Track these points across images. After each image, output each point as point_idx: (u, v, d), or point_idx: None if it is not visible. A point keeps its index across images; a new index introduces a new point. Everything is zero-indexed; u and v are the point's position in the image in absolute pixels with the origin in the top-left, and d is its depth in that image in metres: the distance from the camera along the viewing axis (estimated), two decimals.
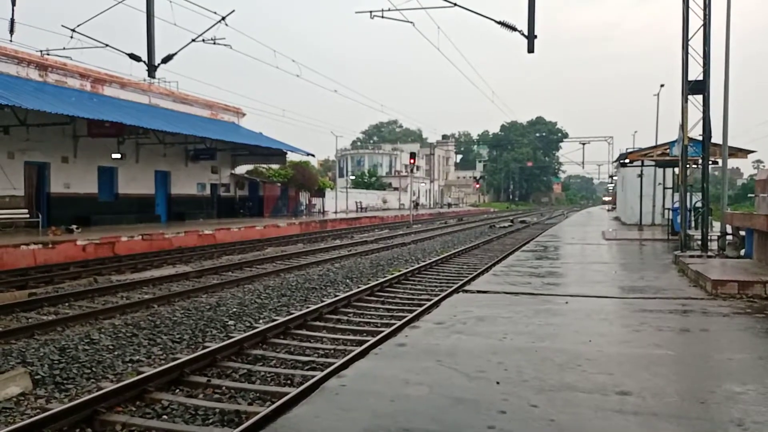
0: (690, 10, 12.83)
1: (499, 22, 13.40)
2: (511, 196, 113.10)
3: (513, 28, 13.24)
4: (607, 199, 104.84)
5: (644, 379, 4.70)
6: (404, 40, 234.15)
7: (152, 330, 8.68)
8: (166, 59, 15.40)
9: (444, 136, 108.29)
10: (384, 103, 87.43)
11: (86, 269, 14.76)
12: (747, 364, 5.23)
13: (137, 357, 7.41)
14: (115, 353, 7.51)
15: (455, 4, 14.17)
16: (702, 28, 12.67)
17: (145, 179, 27.99)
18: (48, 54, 21.20)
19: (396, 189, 70.78)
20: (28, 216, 20.77)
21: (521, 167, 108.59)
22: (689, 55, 12.87)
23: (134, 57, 15.11)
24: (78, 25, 15.26)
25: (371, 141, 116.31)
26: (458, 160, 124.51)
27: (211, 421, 5.32)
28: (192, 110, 31.39)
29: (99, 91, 25.50)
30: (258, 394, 5.94)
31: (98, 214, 23.92)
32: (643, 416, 3.92)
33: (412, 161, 40.29)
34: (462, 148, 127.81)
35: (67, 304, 10.71)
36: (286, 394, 5.54)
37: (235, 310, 10.22)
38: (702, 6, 12.63)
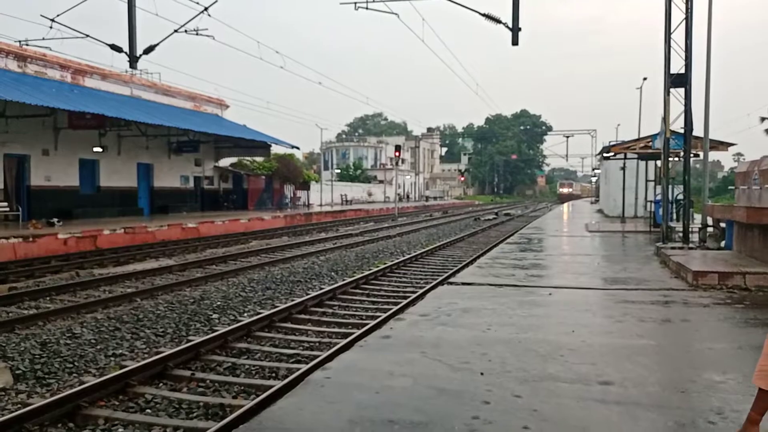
0: (672, 4, 12.93)
1: (484, 15, 13.41)
2: (495, 189, 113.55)
3: (497, 21, 13.25)
4: (565, 190, 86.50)
5: (626, 369, 4.76)
6: (389, 32, 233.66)
7: (135, 324, 8.62)
8: (148, 50, 15.21)
9: (429, 129, 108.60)
10: (369, 95, 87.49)
11: (68, 263, 14.59)
12: (727, 354, 5.31)
13: (120, 351, 7.35)
14: (98, 347, 7.44)
15: None
16: (684, 21, 12.78)
17: (128, 172, 27.68)
18: (27, 44, 20.84)
19: (381, 182, 70.73)
20: (7, 209, 20.46)
21: (506, 160, 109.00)
22: (671, 49, 12.98)
23: (115, 48, 14.91)
24: (58, 15, 15.03)
25: (356, 133, 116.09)
26: (443, 153, 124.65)
27: (195, 414, 5.29)
28: (174, 102, 31.07)
29: (80, 82, 25.13)
30: (242, 388, 5.92)
31: (80, 207, 23.62)
32: (625, 405, 3.97)
33: (397, 154, 40.29)
34: (447, 141, 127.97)
35: (48, 298, 10.58)
36: (271, 387, 5.53)
37: (219, 303, 10.17)
38: (684, 0, 12.73)
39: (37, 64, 23.13)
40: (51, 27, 15.09)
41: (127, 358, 7.06)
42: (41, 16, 15.11)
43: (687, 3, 12.69)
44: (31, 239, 15.77)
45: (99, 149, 24.60)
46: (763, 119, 53.96)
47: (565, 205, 57.66)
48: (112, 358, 7.06)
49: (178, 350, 6.74)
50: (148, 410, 5.38)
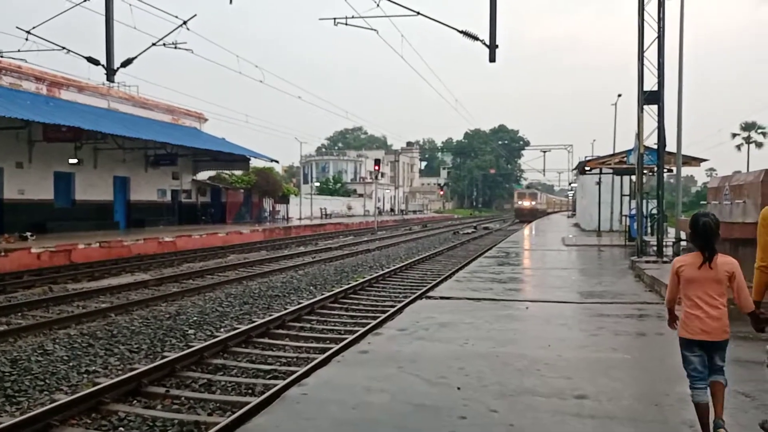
0: (645, 23, 13.23)
1: (462, 32, 13.55)
2: (474, 203, 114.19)
3: (475, 38, 13.40)
4: (526, 204, 63.80)
5: (601, 383, 4.80)
6: (369, 48, 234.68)
7: (109, 340, 8.48)
8: (126, 63, 15.09)
9: (408, 143, 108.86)
10: (349, 109, 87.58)
11: (41, 278, 14.32)
12: None
13: (93, 368, 7.21)
14: (70, 364, 7.30)
15: (418, 13, 14.29)
16: (656, 40, 13.08)
17: (104, 185, 27.33)
18: (1, 56, 20.55)
19: (361, 195, 70.76)
20: None
21: (484, 174, 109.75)
22: (645, 67, 13.26)
23: (92, 60, 14.76)
24: (34, 27, 14.83)
25: (336, 147, 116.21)
26: (422, 167, 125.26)
27: None
28: (152, 115, 30.82)
29: (56, 94, 24.83)
30: (218, 405, 5.85)
31: (54, 221, 23.22)
32: (599, 419, 4.00)
33: (376, 168, 40.40)
34: (426, 155, 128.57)
35: (20, 314, 10.36)
36: (247, 403, 5.47)
37: (195, 318, 10.05)
38: (656, 19, 13.05)
39: (12, 76, 22.81)
40: (27, 39, 14.88)
41: (100, 375, 6.93)
42: (17, 27, 14.90)
43: (659, 22, 13.01)
44: (2, 254, 15.46)
45: (74, 162, 24.28)
46: (734, 135, 55.11)
47: (528, 227, 36.59)
48: (85, 375, 6.93)
49: (152, 367, 6.64)
50: (121, 428, 5.29)
